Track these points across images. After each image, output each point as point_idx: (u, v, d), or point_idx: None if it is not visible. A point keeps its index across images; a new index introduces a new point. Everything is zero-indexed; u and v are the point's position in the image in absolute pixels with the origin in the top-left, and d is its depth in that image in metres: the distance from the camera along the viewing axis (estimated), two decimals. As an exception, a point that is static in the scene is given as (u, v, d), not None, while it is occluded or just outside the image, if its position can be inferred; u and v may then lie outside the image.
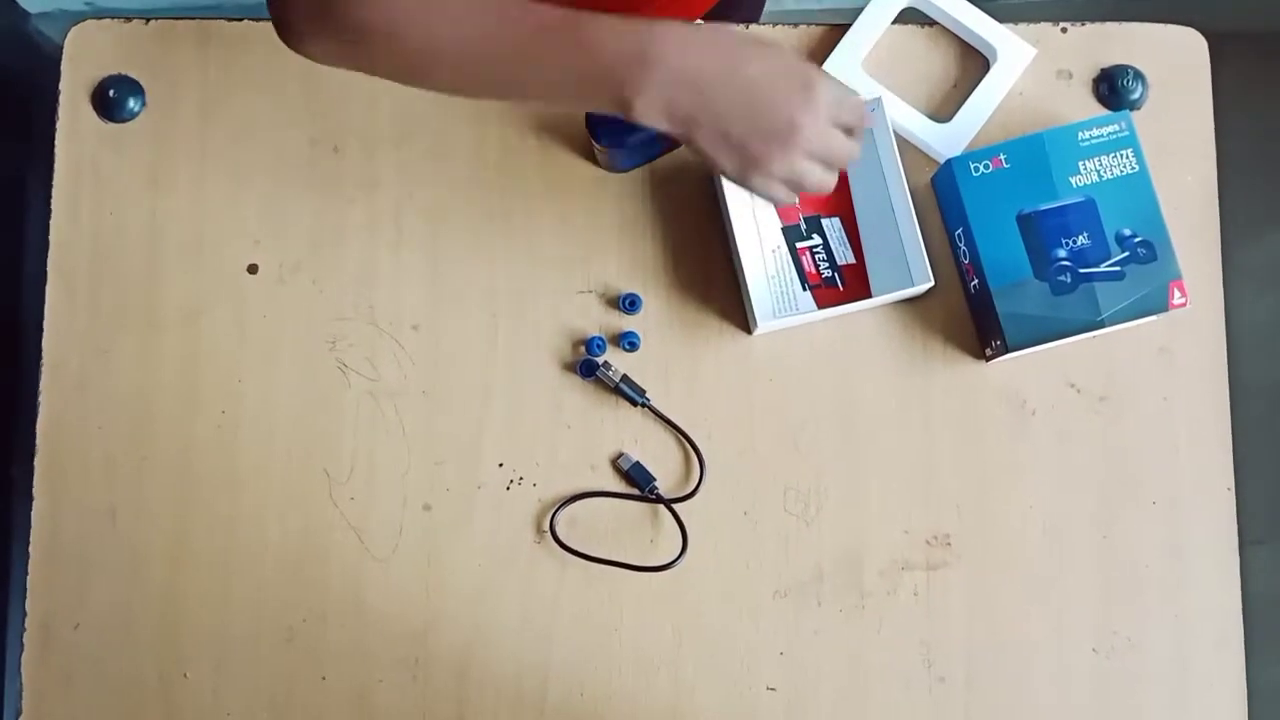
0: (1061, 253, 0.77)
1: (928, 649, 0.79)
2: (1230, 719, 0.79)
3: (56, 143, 0.83)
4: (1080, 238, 0.77)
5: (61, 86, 0.83)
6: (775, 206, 0.80)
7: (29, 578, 0.80)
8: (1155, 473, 0.81)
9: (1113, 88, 0.83)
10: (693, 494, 0.80)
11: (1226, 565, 0.80)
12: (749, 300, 0.79)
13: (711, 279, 0.82)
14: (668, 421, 0.80)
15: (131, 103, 0.82)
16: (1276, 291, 1.57)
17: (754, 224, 0.81)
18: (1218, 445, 0.81)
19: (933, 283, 0.78)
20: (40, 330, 0.81)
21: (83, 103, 0.83)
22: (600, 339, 0.81)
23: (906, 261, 0.80)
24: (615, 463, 0.81)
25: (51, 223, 0.82)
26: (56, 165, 0.83)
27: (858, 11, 0.83)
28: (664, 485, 0.80)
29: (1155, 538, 0.81)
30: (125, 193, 0.82)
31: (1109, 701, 0.79)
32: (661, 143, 0.79)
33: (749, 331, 0.82)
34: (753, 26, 0.84)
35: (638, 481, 0.80)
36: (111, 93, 0.82)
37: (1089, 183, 0.78)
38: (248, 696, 0.79)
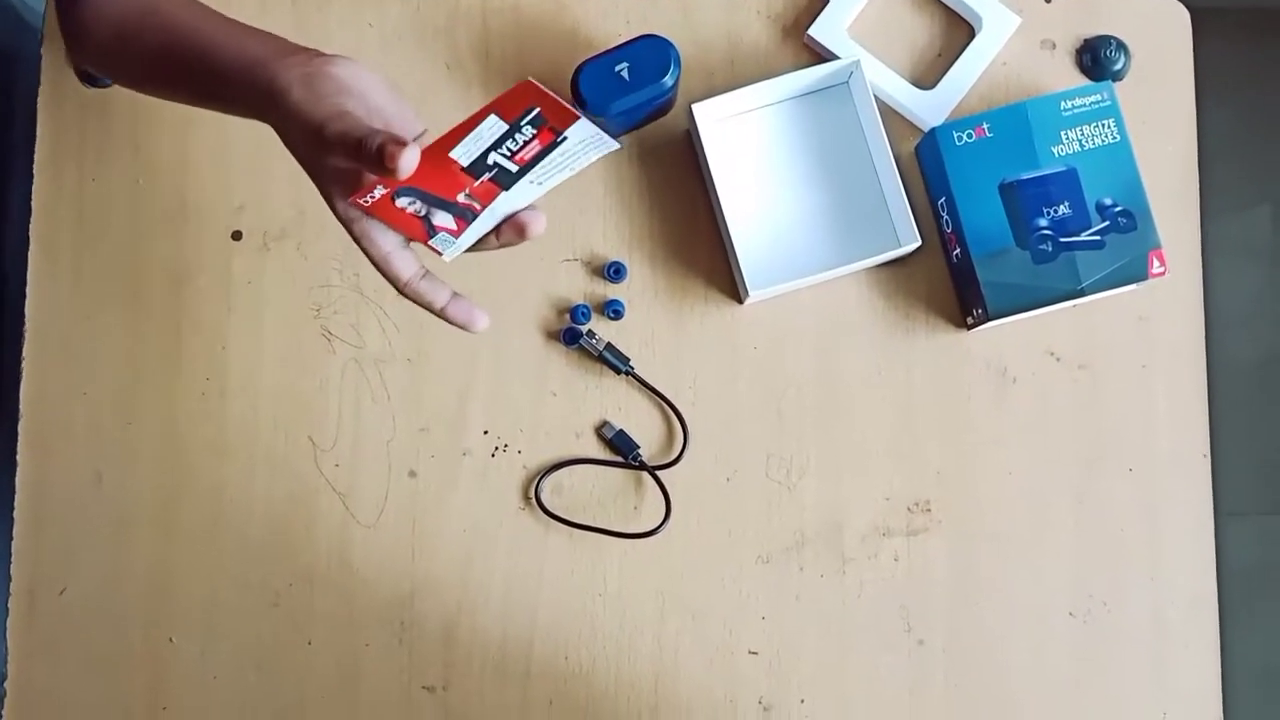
0: (1043, 222, 0.78)
1: (907, 613, 0.80)
2: (1205, 680, 0.81)
3: (39, 108, 0.82)
4: (1061, 207, 0.78)
5: (43, 51, 0.82)
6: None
7: (14, 544, 0.80)
8: (1133, 439, 0.82)
9: (1095, 58, 0.84)
10: (676, 461, 0.80)
11: (1202, 529, 0.82)
12: (739, 269, 0.79)
13: (696, 247, 0.82)
14: (651, 389, 0.81)
15: (114, 68, 0.82)
16: (1259, 266, 1.58)
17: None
18: (1194, 412, 0.82)
19: (920, 242, 0.78)
20: (23, 298, 0.81)
21: (65, 68, 0.82)
22: (585, 307, 0.81)
23: (892, 222, 0.81)
24: (599, 430, 0.81)
25: (34, 189, 0.82)
26: (39, 131, 0.82)
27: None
28: (648, 452, 0.81)
29: (1132, 503, 0.82)
30: (108, 158, 0.82)
31: (1085, 664, 0.80)
32: (647, 110, 0.79)
33: (735, 300, 0.82)
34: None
35: (621, 449, 0.80)
36: (94, 58, 0.82)
37: (1070, 152, 0.78)
38: (234, 660, 0.79)
